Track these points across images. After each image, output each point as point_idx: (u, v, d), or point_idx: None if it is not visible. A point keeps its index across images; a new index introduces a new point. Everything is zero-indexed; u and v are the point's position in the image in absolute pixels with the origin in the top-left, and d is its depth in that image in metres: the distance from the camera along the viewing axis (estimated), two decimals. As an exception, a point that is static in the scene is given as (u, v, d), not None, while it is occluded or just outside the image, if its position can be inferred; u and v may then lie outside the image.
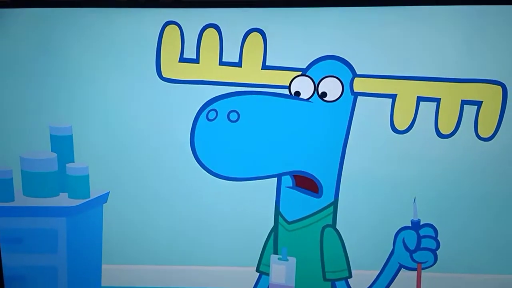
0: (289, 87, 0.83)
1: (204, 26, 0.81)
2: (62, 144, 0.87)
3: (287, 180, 0.87)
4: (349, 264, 0.89)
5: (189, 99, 0.84)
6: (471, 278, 0.89)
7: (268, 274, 0.91)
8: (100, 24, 0.82)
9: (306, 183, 0.86)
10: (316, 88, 0.83)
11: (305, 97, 0.84)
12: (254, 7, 0.80)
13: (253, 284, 0.92)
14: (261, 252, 0.90)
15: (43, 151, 0.87)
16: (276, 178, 0.87)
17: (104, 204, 0.89)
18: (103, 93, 0.85)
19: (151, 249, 0.91)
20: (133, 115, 0.85)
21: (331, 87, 0.82)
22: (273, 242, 0.89)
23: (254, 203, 0.88)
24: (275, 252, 0.90)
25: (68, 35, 0.83)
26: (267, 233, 0.89)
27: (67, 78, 0.84)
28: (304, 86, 0.83)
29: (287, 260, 0.89)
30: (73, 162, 0.88)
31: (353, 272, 0.89)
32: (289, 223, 0.88)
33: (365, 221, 0.87)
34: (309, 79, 0.82)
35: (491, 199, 0.85)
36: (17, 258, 0.92)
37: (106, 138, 0.86)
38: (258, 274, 0.91)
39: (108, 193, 0.89)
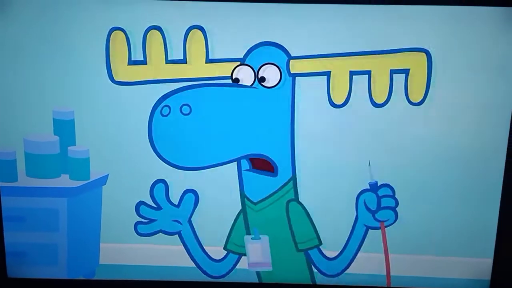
0: (231, 77, 0.89)
1: (147, 29, 0.87)
2: (64, 128, 0.91)
3: (245, 164, 0.93)
4: (318, 232, 0.96)
5: (142, 99, 0.90)
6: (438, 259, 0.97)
7: (235, 252, 0.97)
8: (101, 12, 0.87)
9: (262, 165, 0.93)
10: (256, 75, 0.89)
11: (248, 84, 0.89)
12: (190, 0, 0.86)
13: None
14: (229, 231, 0.96)
15: (46, 134, 0.91)
16: (236, 164, 0.92)
17: (103, 186, 0.94)
18: (104, 79, 0.90)
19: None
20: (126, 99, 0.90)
21: (270, 73, 0.89)
22: (244, 223, 0.95)
23: (220, 189, 0.94)
24: (248, 233, 0.96)
25: (73, 23, 0.88)
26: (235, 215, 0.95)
27: (71, 65, 0.89)
28: (245, 74, 0.89)
29: (259, 238, 0.95)
30: (75, 145, 0.92)
31: (323, 239, 0.96)
32: (255, 203, 0.94)
33: (325, 191, 0.94)
34: (249, 67, 0.88)
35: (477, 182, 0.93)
36: (20, 236, 0.94)
37: (107, 122, 0.91)
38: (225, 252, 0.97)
39: (107, 176, 0.93)
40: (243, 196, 0.94)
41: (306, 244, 0.96)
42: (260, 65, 0.89)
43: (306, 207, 0.95)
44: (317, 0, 0.86)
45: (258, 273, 0.98)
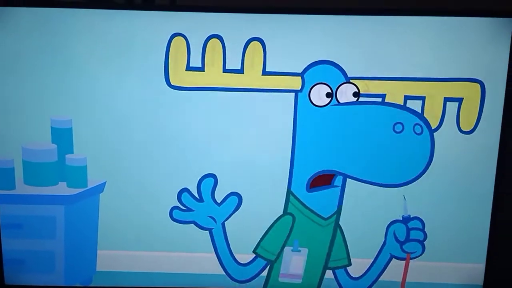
0: (308, 95, 0.90)
1: (208, 37, 0.88)
2: (62, 136, 0.92)
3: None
4: (349, 253, 0.97)
5: (197, 105, 0.91)
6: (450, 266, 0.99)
7: (263, 258, 0.97)
8: (103, 25, 0.89)
9: (319, 181, 0.94)
10: (334, 94, 0.90)
11: (323, 104, 0.90)
12: (252, 12, 0.88)
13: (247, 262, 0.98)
14: (262, 236, 0.96)
15: (44, 142, 0.92)
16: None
17: (100, 194, 0.95)
18: (102, 88, 0.91)
19: (144, 236, 0.97)
20: (129, 107, 0.91)
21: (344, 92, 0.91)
22: (287, 234, 0.96)
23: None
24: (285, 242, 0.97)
25: (72, 34, 0.89)
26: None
27: (69, 74, 0.90)
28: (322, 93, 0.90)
29: (299, 251, 0.97)
30: (72, 153, 0.93)
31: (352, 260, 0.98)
32: (325, 219, 0.95)
33: (360, 215, 0.96)
34: (326, 85, 0.90)
35: (471, 188, 0.95)
36: (17, 243, 0.95)
37: (105, 130, 0.92)
38: (254, 255, 0.98)
39: (104, 183, 0.94)
40: (306, 208, 0.95)
41: (337, 263, 0.98)
42: (339, 85, 0.90)
43: (343, 229, 0.96)
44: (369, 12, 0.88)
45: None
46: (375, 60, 0.89)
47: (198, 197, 0.95)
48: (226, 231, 0.96)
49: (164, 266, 0.98)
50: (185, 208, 0.95)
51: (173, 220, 0.95)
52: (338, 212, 0.95)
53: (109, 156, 0.93)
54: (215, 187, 0.94)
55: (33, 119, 0.92)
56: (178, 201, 0.95)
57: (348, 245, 0.97)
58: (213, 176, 0.94)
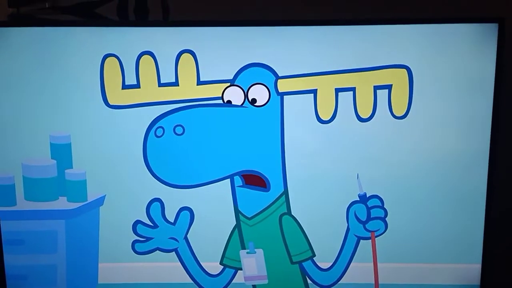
0: (222, 98, 0.92)
1: (139, 54, 0.90)
2: (61, 152, 0.94)
3: (238, 181, 0.95)
4: (311, 244, 0.98)
5: (136, 122, 0.93)
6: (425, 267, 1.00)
7: (231, 267, 0.99)
8: (96, 41, 0.91)
9: (254, 180, 0.96)
10: (246, 95, 0.92)
11: (238, 104, 0.92)
12: (181, 26, 0.90)
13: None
14: (225, 247, 0.98)
15: (43, 158, 0.94)
16: (229, 181, 0.95)
17: (100, 207, 0.96)
18: (98, 103, 0.93)
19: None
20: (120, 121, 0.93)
21: (259, 93, 0.92)
22: (239, 238, 0.98)
23: (215, 206, 0.96)
24: (243, 248, 0.98)
25: (66, 51, 0.91)
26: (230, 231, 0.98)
27: (65, 91, 0.92)
28: (235, 95, 0.92)
29: (255, 252, 0.98)
30: (72, 168, 0.95)
31: (316, 251, 0.99)
32: (249, 218, 0.97)
33: (316, 204, 0.97)
34: (238, 87, 0.92)
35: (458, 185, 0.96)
36: (19, 258, 0.96)
37: (102, 144, 0.94)
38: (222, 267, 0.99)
39: (104, 196, 0.96)
40: (237, 211, 0.97)
41: (300, 256, 0.99)
42: (249, 85, 0.92)
43: (298, 220, 0.97)
44: (303, 23, 0.90)
45: (254, 286, 1.00)
46: (302, 57, 0.91)
47: (152, 224, 0.97)
48: (191, 244, 0.98)
49: (167, 277, 0.99)
50: (144, 239, 0.97)
51: (136, 253, 0.97)
52: (287, 204, 0.96)
53: (108, 169, 0.95)
54: (164, 209, 0.96)
55: (32, 135, 0.93)
56: (135, 233, 0.97)
57: (308, 236, 0.98)
58: (158, 199, 0.96)
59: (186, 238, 0.98)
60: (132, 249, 0.97)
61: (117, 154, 0.94)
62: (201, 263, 0.99)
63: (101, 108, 0.92)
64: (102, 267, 0.98)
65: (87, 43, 0.91)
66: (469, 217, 0.97)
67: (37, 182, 0.95)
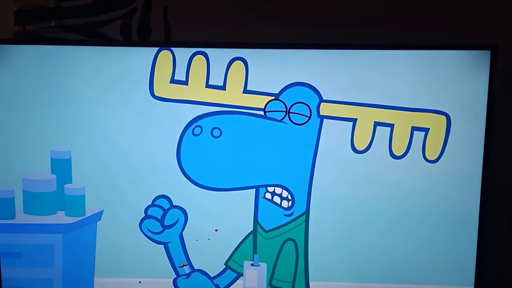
0: (263, 109, 0.94)
1: (193, 53, 0.93)
2: (61, 166, 0.96)
3: (263, 192, 0.97)
4: (295, 280, 0.99)
5: (178, 116, 0.94)
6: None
7: (234, 271, 1.00)
8: (99, 61, 0.93)
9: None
10: (287, 111, 0.94)
11: (278, 118, 0.94)
12: (240, 47, 0.93)
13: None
14: (234, 249, 0.99)
15: (43, 172, 0.96)
16: (254, 190, 0.96)
17: (97, 222, 0.98)
18: (99, 120, 0.95)
19: (139, 263, 0.99)
20: (122, 137, 0.95)
21: (301, 112, 0.94)
22: (253, 247, 0.98)
23: (235, 212, 0.97)
24: (254, 254, 0.99)
25: (69, 70, 0.94)
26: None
27: (67, 108, 0.95)
28: (277, 109, 0.94)
29: (259, 265, 0.99)
30: (71, 182, 0.96)
31: (311, 283, 0.99)
32: (266, 231, 0.98)
33: (329, 232, 0.98)
34: (282, 102, 0.94)
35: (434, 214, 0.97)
36: (16, 271, 0.97)
37: (102, 160, 0.96)
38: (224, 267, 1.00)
39: (102, 211, 0.97)
40: (256, 222, 0.97)
41: (280, 284, 0.99)
42: (293, 103, 0.94)
43: (309, 244, 0.98)
44: (351, 46, 0.93)
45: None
46: (348, 85, 0.93)
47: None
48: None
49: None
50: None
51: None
52: (298, 225, 0.97)
53: (106, 185, 0.96)
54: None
55: (33, 151, 0.95)
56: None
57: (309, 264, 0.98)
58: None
59: (181, 235, 0.98)
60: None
61: (116, 170, 0.96)
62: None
63: (101, 124, 0.95)
64: (98, 282, 0.99)
65: (90, 61, 0.93)
66: (462, 240, 0.98)
67: (36, 196, 0.96)
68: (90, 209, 0.97)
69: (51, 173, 0.96)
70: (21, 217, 0.97)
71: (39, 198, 0.96)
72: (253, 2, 1.13)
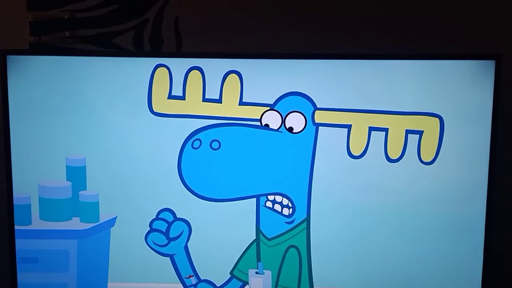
0: (260, 120, 0.96)
1: (189, 68, 0.95)
2: (77, 174, 0.98)
3: (264, 201, 0.99)
4: (300, 286, 1.00)
5: (177, 131, 0.97)
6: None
7: (240, 279, 1.01)
8: (111, 70, 0.96)
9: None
10: (283, 121, 0.96)
11: (275, 128, 0.96)
12: (234, 58, 0.95)
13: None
14: (239, 258, 1.01)
15: (59, 180, 0.98)
16: (255, 199, 0.99)
17: (111, 228, 1.00)
18: (111, 129, 0.97)
19: (151, 268, 1.01)
20: (132, 147, 0.98)
21: (296, 121, 0.96)
22: (256, 255, 1.00)
23: (237, 222, 0.99)
24: (258, 262, 1.01)
25: (82, 79, 0.96)
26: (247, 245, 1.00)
27: (81, 117, 0.97)
28: (273, 119, 0.96)
29: (263, 273, 1.01)
30: (86, 189, 0.99)
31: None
32: (269, 239, 0.99)
33: (331, 238, 0.99)
34: (277, 113, 0.96)
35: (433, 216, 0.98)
36: (33, 276, 0.99)
37: (115, 168, 0.98)
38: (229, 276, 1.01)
39: (115, 218, 0.99)
40: (258, 230, 0.99)
41: None
42: (288, 112, 0.96)
43: (311, 251, 0.99)
44: (346, 56, 0.95)
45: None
46: (341, 92, 0.95)
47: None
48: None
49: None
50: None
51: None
52: (300, 232, 0.98)
53: (119, 191, 0.98)
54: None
55: (48, 158, 0.98)
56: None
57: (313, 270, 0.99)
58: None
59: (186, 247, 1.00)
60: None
61: (129, 177, 0.98)
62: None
63: (115, 132, 0.97)
64: (112, 287, 1.01)
65: (103, 71, 0.95)
66: (468, 249, 0.98)
67: (52, 203, 0.99)
68: (104, 216, 0.99)
69: (67, 180, 0.98)
70: (37, 223, 0.99)
71: (55, 205, 0.99)
72: (267, 12, 1.14)
